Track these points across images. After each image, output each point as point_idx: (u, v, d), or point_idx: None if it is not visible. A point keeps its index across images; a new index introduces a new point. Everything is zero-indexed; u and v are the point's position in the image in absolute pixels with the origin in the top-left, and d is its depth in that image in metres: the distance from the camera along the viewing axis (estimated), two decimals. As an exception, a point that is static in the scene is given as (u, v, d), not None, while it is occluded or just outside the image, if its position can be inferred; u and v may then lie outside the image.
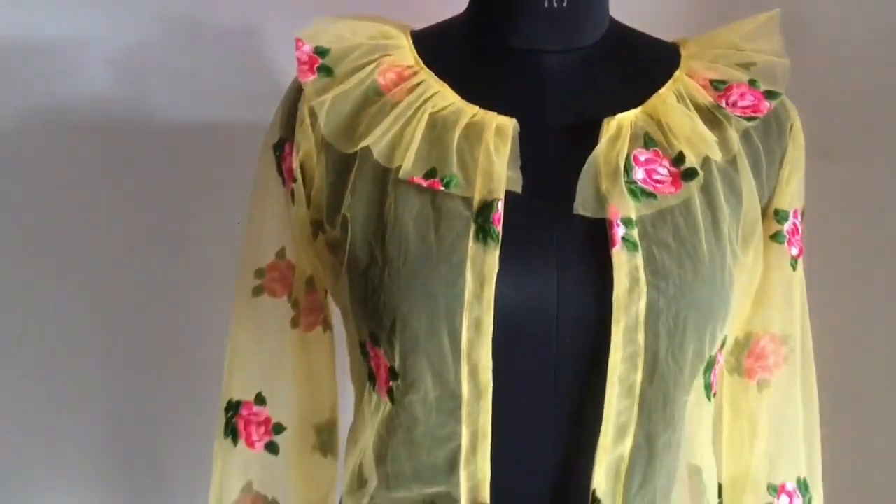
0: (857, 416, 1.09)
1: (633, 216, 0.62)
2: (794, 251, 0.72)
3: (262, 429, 0.77)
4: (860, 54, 1.09)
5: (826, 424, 0.80)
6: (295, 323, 0.77)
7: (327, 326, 0.79)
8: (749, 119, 0.66)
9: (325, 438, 0.80)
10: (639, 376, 0.61)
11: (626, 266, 0.61)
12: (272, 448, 0.77)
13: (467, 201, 0.62)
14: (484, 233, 0.61)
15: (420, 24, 0.76)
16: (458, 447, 0.62)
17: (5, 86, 1.11)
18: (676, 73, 0.69)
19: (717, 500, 0.74)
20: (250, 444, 0.77)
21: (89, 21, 1.09)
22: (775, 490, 0.76)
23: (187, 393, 1.15)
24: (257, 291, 0.77)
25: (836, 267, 1.12)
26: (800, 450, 0.77)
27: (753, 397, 0.76)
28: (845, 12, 1.09)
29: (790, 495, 0.76)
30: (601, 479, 0.62)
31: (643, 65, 0.70)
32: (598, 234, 0.62)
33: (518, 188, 0.62)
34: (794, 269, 0.73)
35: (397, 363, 0.62)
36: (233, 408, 0.77)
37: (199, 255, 1.13)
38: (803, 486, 0.77)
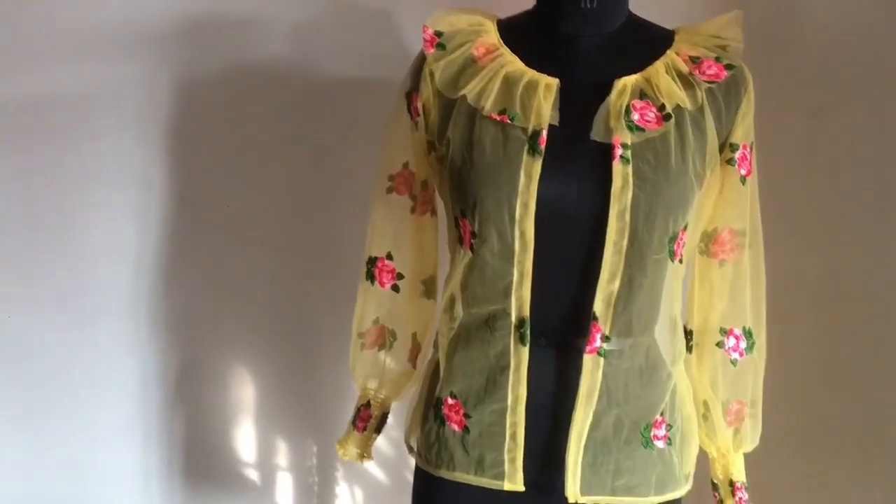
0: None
1: (629, 142, 0.99)
2: (743, 171, 1.08)
3: (390, 275, 1.20)
4: (846, 32, 1.39)
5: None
6: (413, 210, 1.19)
7: (434, 213, 1.21)
8: (711, 83, 1.02)
9: (428, 287, 1.23)
10: (625, 242, 0.99)
11: (621, 173, 0.98)
12: (395, 288, 1.20)
13: (524, 130, 1.01)
14: (533, 149, 1.00)
15: (504, 15, 1.14)
16: (511, 281, 1.02)
17: (208, 53, 1.56)
18: (668, 52, 1.05)
19: (682, 335, 1.12)
20: (382, 284, 1.20)
21: (269, 2, 1.52)
22: (725, 332, 1.13)
23: (334, 273, 1.59)
24: (389, 190, 1.19)
25: (820, 203, 1.44)
26: (746, 309, 1.13)
27: (715, 271, 1.12)
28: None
29: (737, 337, 1.13)
30: (599, 304, 1.01)
31: (647, 45, 1.06)
32: (605, 153, 1.00)
33: (556, 122, 1.00)
34: (744, 183, 1.08)
35: (476, 228, 1.02)
36: (372, 261, 1.20)
37: (353, 170, 1.54)
38: (748, 332, 1.13)
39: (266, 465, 1.71)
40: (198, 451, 1.72)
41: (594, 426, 1.03)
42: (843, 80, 1.39)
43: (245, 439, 1.71)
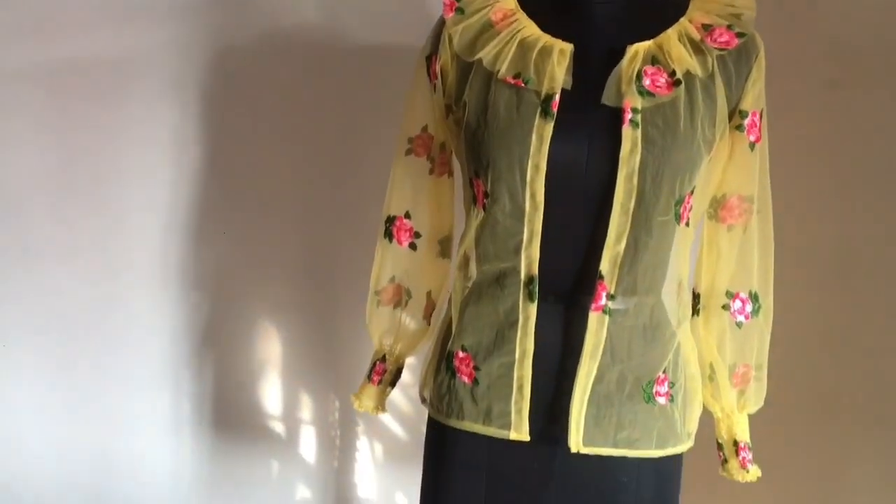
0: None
1: (639, 107, 1.02)
2: (752, 138, 1.10)
3: (408, 234, 1.24)
4: (871, 6, 1.39)
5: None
6: (431, 172, 1.23)
7: (450, 174, 1.25)
8: (721, 50, 1.04)
9: (444, 246, 1.28)
10: (632, 203, 1.02)
11: (630, 137, 1.01)
12: (413, 246, 1.25)
13: (538, 93, 1.04)
14: (545, 112, 1.03)
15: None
16: (521, 240, 1.06)
17: (240, 20, 1.62)
18: (682, 19, 1.07)
19: (689, 298, 1.15)
20: (399, 242, 1.25)
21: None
22: (731, 295, 1.16)
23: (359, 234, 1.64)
24: (408, 152, 1.23)
25: (834, 173, 1.46)
26: (753, 273, 1.15)
27: (723, 236, 1.15)
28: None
29: (743, 301, 1.16)
30: (605, 264, 1.04)
31: (660, 12, 1.08)
32: (615, 117, 1.03)
33: (569, 86, 1.03)
34: (752, 150, 1.10)
35: (489, 188, 1.06)
36: (390, 220, 1.25)
37: (379, 134, 1.55)
38: (754, 296, 1.16)
39: (290, 418, 1.79)
40: (226, 404, 1.80)
41: (598, 381, 1.07)
42: (859, 52, 1.40)
43: (271, 394, 1.79)
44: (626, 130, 1.01)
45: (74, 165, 1.68)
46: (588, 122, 1.04)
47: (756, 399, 1.20)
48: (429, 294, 1.28)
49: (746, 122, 1.09)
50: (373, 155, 1.61)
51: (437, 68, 1.14)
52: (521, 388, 1.08)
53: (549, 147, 1.02)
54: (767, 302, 1.17)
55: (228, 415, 1.79)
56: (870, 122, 1.41)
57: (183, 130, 1.67)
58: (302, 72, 1.62)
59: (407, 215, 1.25)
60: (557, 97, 1.03)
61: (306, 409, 1.79)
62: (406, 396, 1.70)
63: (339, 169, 1.66)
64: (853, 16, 1.40)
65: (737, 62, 1.07)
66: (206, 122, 1.67)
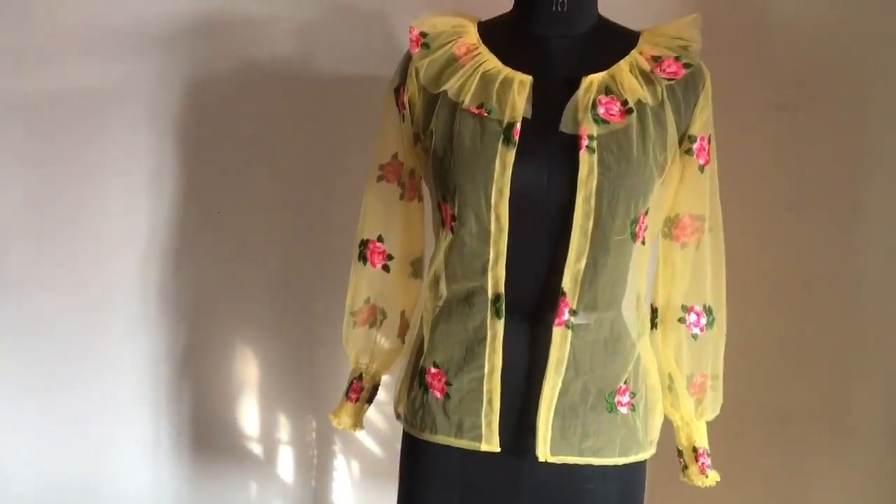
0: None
1: (595, 134, 1.09)
2: (701, 161, 1.17)
3: (381, 256, 1.30)
4: (809, 29, 1.48)
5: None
6: (401, 197, 1.30)
7: (420, 199, 1.31)
8: (670, 80, 1.12)
9: (416, 268, 1.34)
10: (590, 224, 1.09)
11: (587, 162, 1.08)
12: (386, 268, 1.31)
13: (500, 122, 1.11)
14: (507, 140, 1.10)
15: (486, 17, 1.24)
16: (488, 260, 1.12)
17: (215, 51, 1.67)
18: (633, 52, 1.15)
19: (647, 312, 1.22)
20: (373, 264, 1.30)
21: (277, 4, 1.63)
22: (686, 309, 1.23)
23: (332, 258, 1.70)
24: (380, 178, 1.29)
25: (784, 192, 1.54)
26: (706, 288, 1.23)
27: (678, 253, 1.22)
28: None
29: (698, 314, 1.23)
30: (567, 282, 1.11)
31: (613, 46, 1.16)
32: (573, 144, 1.09)
33: (529, 115, 1.10)
34: (702, 172, 1.18)
35: (456, 211, 1.12)
36: (364, 244, 1.31)
37: (351, 161, 1.63)
38: (708, 309, 1.23)
39: (268, 439, 1.82)
40: (204, 426, 1.83)
41: (563, 393, 1.13)
42: (806, 76, 1.49)
43: (249, 415, 1.82)
44: (584, 156, 1.08)
45: (53, 195, 1.72)
46: (548, 149, 1.10)
47: (713, 407, 1.26)
48: (403, 313, 1.34)
49: (695, 146, 1.17)
50: (347, 181, 1.67)
51: (406, 99, 1.20)
52: (490, 401, 1.13)
53: (512, 172, 1.09)
54: (721, 314, 1.24)
55: (207, 436, 1.82)
56: (814, 142, 1.50)
57: (160, 159, 1.71)
58: (277, 102, 1.67)
59: (380, 239, 1.30)
60: (518, 125, 1.09)
61: (284, 430, 1.82)
62: (381, 414, 1.75)
63: (314, 195, 1.71)
64: (801, 42, 1.48)
65: (685, 91, 1.15)
66: (182, 150, 1.71)
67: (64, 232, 1.73)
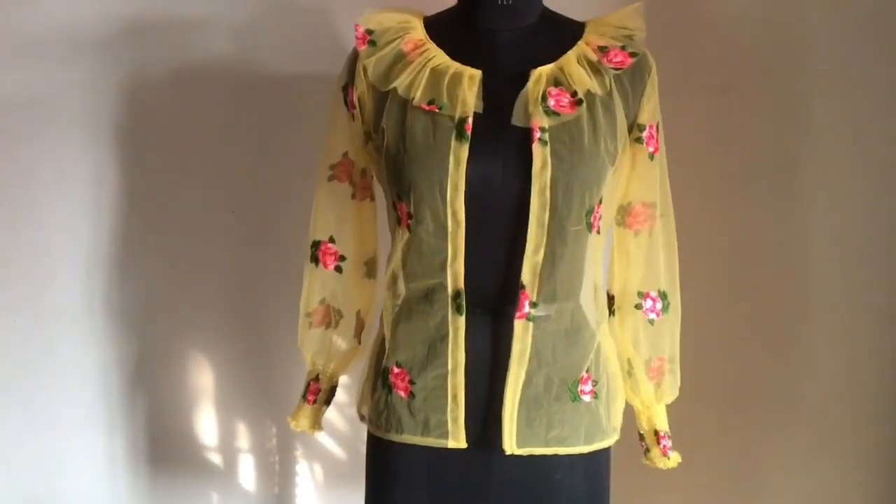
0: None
1: (546, 126, 1.09)
2: (651, 149, 1.19)
3: (333, 258, 1.29)
4: (745, 14, 1.51)
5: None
6: (353, 196, 1.28)
7: (372, 198, 1.30)
8: (617, 69, 1.13)
9: (370, 268, 1.33)
10: (546, 216, 1.09)
11: (540, 154, 1.09)
12: (339, 270, 1.29)
13: (452, 118, 1.10)
14: (460, 135, 1.09)
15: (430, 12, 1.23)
16: (446, 257, 1.11)
17: (152, 54, 1.63)
18: (579, 42, 1.16)
19: (605, 300, 1.23)
20: (326, 266, 1.29)
21: (213, 3, 1.59)
22: (642, 295, 1.25)
23: (283, 260, 1.68)
24: (330, 178, 1.28)
25: (730, 175, 1.58)
26: (660, 274, 1.25)
27: (631, 241, 1.24)
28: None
29: (653, 300, 1.24)
30: (526, 274, 1.11)
31: (560, 36, 1.17)
32: (525, 137, 1.10)
33: (480, 110, 1.10)
34: (652, 160, 1.19)
35: (412, 209, 1.11)
36: (315, 245, 1.29)
37: (297, 162, 1.61)
38: (663, 294, 1.25)
39: (228, 448, 1.79)
40: (161, 438, 1.79)
41: (526, 385, 1.13)
42: (747, 60, 1.52)
43: (206, 424, 1.78)
44: (537, 148, 1.08)
45: (-9, 208, 1.66)
46: (500, 143, 1.10)
47: (671, 390, 1.29)
48: (358, 314, 1.33)
49: (644, 134, 1.18)
50: (294, 181, 1.64)
51: (355, 98, 1.18)
52: (455, 397, 1.13)
53: (466, 167, 1.08)
54: (675, 299, 1.26)
55: (165, 449, 1.78)
56: (758, 123, 1.54)
57: (100, 167, 1.66)
58: (219, 104, 1.64)
59: (331, 240, 1.29)
60: (470, 120, 1.09)
61: (243, 438, 1.79)
62: (342, 416, 1.73)
63: (261, 196, 1.68)
64: (739, 27, 1.52)
65: (632, 80, 1.16)
66: (123, 157, 1.67)
67: (3, 244, 1.67)
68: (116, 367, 1.74)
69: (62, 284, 1.69)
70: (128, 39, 1.60)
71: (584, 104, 1.11)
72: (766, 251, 1.55)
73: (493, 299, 1.13)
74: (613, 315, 1.26)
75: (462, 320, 1.12)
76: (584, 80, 1.12)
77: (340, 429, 1.75)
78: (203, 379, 1.77)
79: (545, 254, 1.10)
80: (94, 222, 1.68)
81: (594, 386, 1.18)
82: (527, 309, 1.11)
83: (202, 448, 1.78)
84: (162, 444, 1.78)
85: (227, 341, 1.75)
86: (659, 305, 1.25)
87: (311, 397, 1.34)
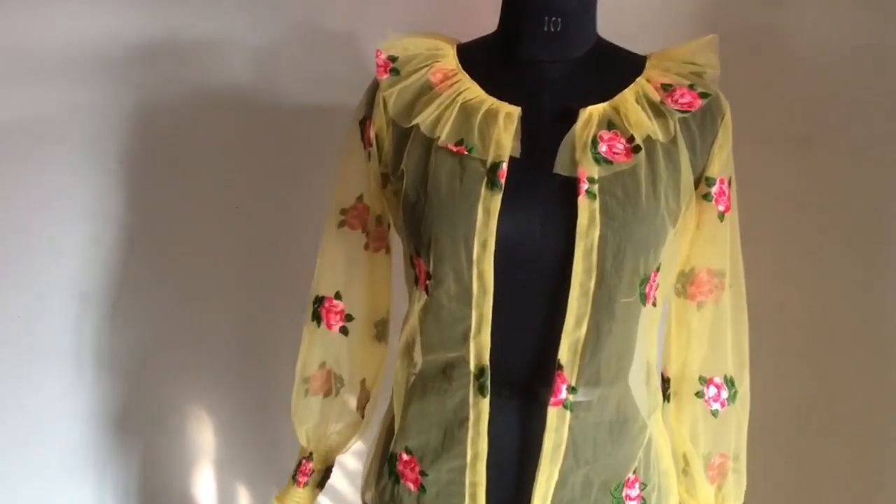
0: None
1: (595, 176, 0.91)
2: (721, 207, 1.00)
3: (338, 317, 1.11)
4: (835, 62, 1.33)
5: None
6: (366, 247, 1.11)
7: (388, 250, 1.12)
8: (684, 112, 0.94)
9: (380, 330, 1.14)
10: (592, 283, 0.91)
11: (587, 209, 0.90)
12: (344, 331, 1.11)
13: (483, 162, 0.93)
14: (492, 183, 0.91)
15: (466, 39, 1.07)
16: (469, 326, 0.93)
17: (165, 78, 1.49)
18: (639, 79, 0.98)
19: (658, 383, 1.03)
20: (329, 326, 1.11)
21: (232, 25, 1.45)
22: (705, 381, 1.04)
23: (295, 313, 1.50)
24: (341, 224, 1.11)
25: (809, 237, 1.37)
26: (727, 355, 1.04)
27: (693, 314, 1.04)
28: (824, 24, 1.33)
29: (718, 387, 1.04)
30: (564, 352, 0.92)
31: (615, 72, 0.99)
32: (570, 188, 0.92)
33: (517, 154, 0.92)
34: (722, 220, 1.00)
35: (431, 268, 0.94)
36: (318, 301, 1.12)
37: (315, 201, 1.40)
38: (729, 381, 1.04)
39: (227, 513, 1.62)
40: (155, 498, 1.64)
41: (560, 486, 0.94)
42: (831, 107, 1.32)
43: (205, 486, 1.63)
44: (583, 202, 0.90)
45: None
46: (540, 194, 0.92)
47: (736, 493, 1.08)
48: (363, 382, 1.15)
49: (714, 190, 0.99)
50: (311, 222, 1.46)
51: (372, 134, 1.02)
52: (473, 495, 0.95)
53: (498, 222, 0.90)
54: (744, 387, 1.06)
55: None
56: (844, 180, 1.33)
57: (103, 199, 1.52)
58: (232, 134, 1.49)
59: (337, 296, 1.11)
60: (505, 166, 0.91)
61: (244, 502, 1.63)
62: (353, 486, 1.55)
63: (274, 238, 1.53)
64: (824, 69, 1.32)
65: (701, 125, 0.97)
66: (127, 187, 1.52)
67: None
68: (111, 418, 1.59)
69: (51, 324, 1.54)
70: (138, 61, 1.46)
71: (643, 152, 0.92)
72: (848, 329, 1.33)
73: (523, 380, 0.95)
74: (668, 401, 1.06)
75: (485, 403, 0.93)
76: (643, 124, 0.93)
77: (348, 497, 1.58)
78: (203, 436, 1.61)
79: (588, 329, 0.92)
80: (91, 261, 1.53)
81: (642, 490, 0.98)
82: (564, 394, 0.92)
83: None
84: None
85: (230, 396, 1.59)
86: (725, 394, 1.04)
87: (301, 478, 1.15)
